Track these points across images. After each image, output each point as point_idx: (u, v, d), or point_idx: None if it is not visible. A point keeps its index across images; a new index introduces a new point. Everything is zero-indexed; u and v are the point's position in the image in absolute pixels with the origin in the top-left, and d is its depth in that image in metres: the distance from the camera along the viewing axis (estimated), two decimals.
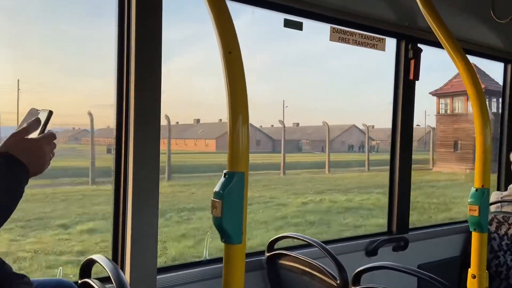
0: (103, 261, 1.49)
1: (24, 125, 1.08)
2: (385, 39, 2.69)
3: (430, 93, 19.30)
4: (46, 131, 1.10)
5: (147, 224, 1.81)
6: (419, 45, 2.79)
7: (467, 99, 17.14)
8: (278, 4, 2.25)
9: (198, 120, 21.33)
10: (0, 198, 0.96)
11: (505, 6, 1.95)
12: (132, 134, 1.77)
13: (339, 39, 2.56)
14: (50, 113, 1.11)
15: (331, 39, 2.53)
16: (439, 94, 19.59)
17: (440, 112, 19.86)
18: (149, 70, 1.77)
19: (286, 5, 2.28)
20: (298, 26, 2.38)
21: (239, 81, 1.05)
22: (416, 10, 1.98)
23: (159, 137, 1.86)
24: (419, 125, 18.63)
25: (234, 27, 1.06)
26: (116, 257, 1.84)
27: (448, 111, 19.69)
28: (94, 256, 1.57)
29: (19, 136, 1.06)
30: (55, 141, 1.11)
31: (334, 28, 2.52)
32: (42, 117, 1.11)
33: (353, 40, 2.58)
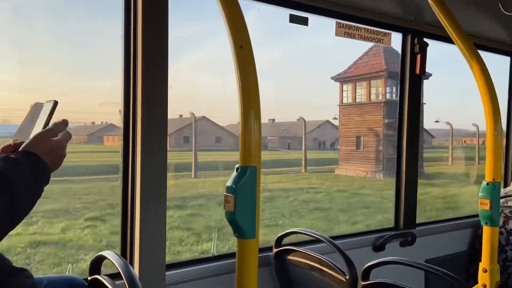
0: (113, 258, 1.50)
1: (51, 125, 1.07)
2: (391, 33, 2.68)
3: (332, 78, 15.88)
4: (50, 123, 1.09)
5: (155, 220, 1.82)
6: (425, 40, 2.78)
7: (370, 84, 15.00)
8: (283, 0, 2.24)
9: None
10: (23, 197, 0.96)
11: None
12: (140, 131, 1.77)
13: (344, 34, 2.55)
14: (55, 104, 1.10)
15: (336, 34, 2.52)
16: (341, 79, 15.94)
17: (343, 102, 16.15)
18: (156, 67, 1.77)
19: (292, 1, 2.27)
20: (304, 21, 2.38)
21: (251, 76, 1.04)
22: (422, 4, 1.97)
23: (167, 133, 1.86)
24: (336, 118, 16.83)
25: (245, 21, 1.06)
26: (125, 253, 1.84)
27: (350, 100, 15.95)
28: (104, 253, 1.57)
29: (44, 137, 1.06)
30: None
31: (339, 23, 2.51)
32: (47, 108, 1.10)
33: (358, 35, 2.57)
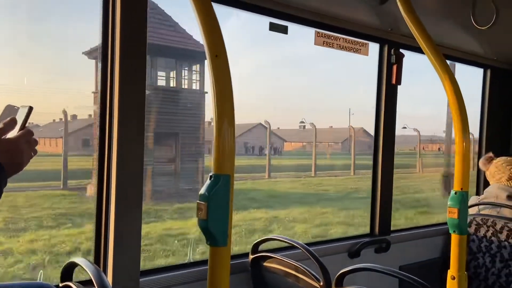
0: (85, 264, 1.48)
1: (0, 125, 1.04)
2: (368, 43, 2.73)
3: (85, 52, 10.85)
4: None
5: (130, 226, 1.80)
6: (402, 50, 2.85)
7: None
8: (263, 8, 2.26)
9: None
10: None
11: (485, 13, 2.00)
12: (116, 135, 1.76)
13: (323, 43, 2.59)
14: (30, 109, 1.07)
15: (315, 43, 2.56)
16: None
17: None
18: (133, 69, 1.76)
19: (272, 9, 2.29)
20: (283, 29, 2.41)
21: (226, 84, 1.05)
22: (398, 16, 2.02)
23: (143, 138, 1.84)
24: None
25: (220, 30, 1.07)
26: (99, 260, 1.82)
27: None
28: (76, 259, 1.55)
29: None
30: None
31: (318, 33, 2.55)
32: (22, 113, 1.07)
33: (337, 44, 2.62)
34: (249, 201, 11.24)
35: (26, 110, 1.07)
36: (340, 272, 1.82)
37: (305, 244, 2.17)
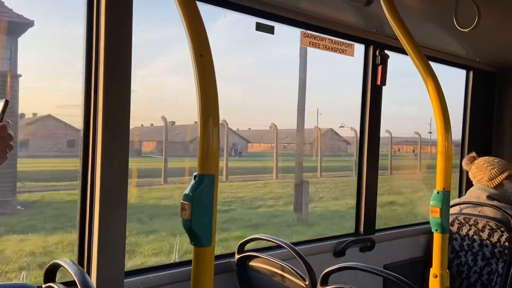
0: (68, 265, 1.46)
1: None
2: (354, 44, 2.76)
3: None
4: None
5: (115, 226, 1.78)
6: (386, 52, 2.88)
7: None
8: (250, 8, 2.27)
9: None
10: None
11: (467, 15, 2.04)
12: (100, 135, 1.74)
13: (309, 43, 2.60)
14: (6, 102, 1.06)
15: (302, 44, 2.58)
16: None
17: None
18: (118, 69, 1.75)
19: (258, 9, 2.30)
20: (270, 29, 2.41)
21: (210, 84, 1.05)
22: (383, 18, 2.04)
23: (129, 138, 1.83)
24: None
25: (205, 30, 1.07)
26: (82, 260, 1.80)
27: None
28: (59, 260, 1.53)
29: None
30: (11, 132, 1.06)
31: (305, 33, 2.56)
32: None
33: (323, 45, 2.64)
34: None
35: (2, 104, 1.06)
36: (325, 271, 1.83)
37: (291, 243, 2.18)
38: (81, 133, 1.81)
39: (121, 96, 1.77)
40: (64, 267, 1.47)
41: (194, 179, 1.05)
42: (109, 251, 1.77)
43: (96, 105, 1.75)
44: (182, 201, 1.05)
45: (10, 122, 1.08)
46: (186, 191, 1.05)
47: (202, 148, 1.04)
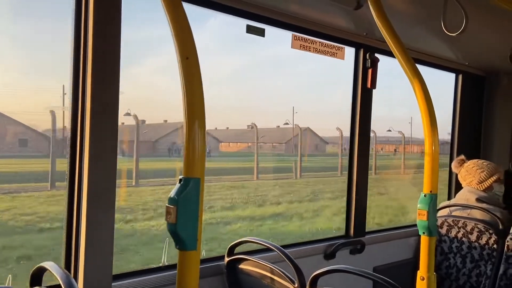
0: (54, 269, 1.44)
1: None
2: (344, 47, 2.77)
3: None
4: None
5: (103, 230, 1.77)
6: (377, 55, 2.90)
7: None
8: (240, 10, 2.27)
9: None
10: None
11: (455, 20, 2.06)
12: (88, 136, 1.72)
13: (300, 46, 2.61)
14: None
15: (292, 47, 2.58)
16: None
17: None
18: (107, 69, 1.73)
19: (249, 12, 2.30)
20: (261, 32, 2.41)
21: (196, 87, 1.05)
22: (373, 21, 2.05)
23: (117, 140, 1.82)
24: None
25: (191, 32, 1.07)
26: (69, 264, 1.78)
27: None
28: (45, 264, 1.51)
29: None
30: None
31: (295, 36, 2.57)
32: None
33: (313, 48, 2.64)
34: None
35: None
36: (314, 274, 1.83)
37: (281, 246, 2.18)
38: (69, 134, 1.79)
39: (110, 97, 1.75)
40: (50, 271, 1.46)
41: (180, 182, 1.04)
42: (97, 255, 1.75)
43: (83, 107, 1.74)
44: (167, 204, 1.04)
45: None
46: (171, 194, 1.04)
47: (188, 151, 1.04)
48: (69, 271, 1.75)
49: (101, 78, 1.73)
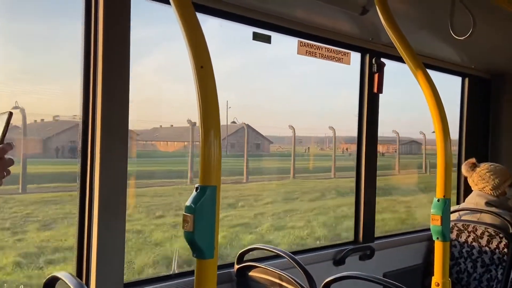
0: (67, 278, 1.44)
1: None
2: (350, 53, 2.78)
3: None
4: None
5: (114, 237, 1.77)
6: (383, 60, 2.90)
7: None
8: (246, 18, 2.28)
9: None
10: None
11: (463, 23, 2.06)
12: (99, 143, 1.73)
13: (306, 52, 2.61)
14: (10, 115, 0.98)
15: (298, 53, 2.59)
16: None
17: None
18: (117, 74, 1.74)
19: (255, 19, 2.31)
20: (267, 39, 2.43)
21: (211, 95, 1.05)
22: (379, 26, 2.06)
23: (127, 145, 1.82)
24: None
25: (205, 41, 1.07)
26: (81, 273, 1.78)
27: None
28: (58, 273, 1.51)
29: None
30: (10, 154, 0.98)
31: (301, 42, 2.57)
32: (2, 120, 0.99)
33: (319, 53, 2.65)
34: None
35: (6, 116, 0.98)
36: (326, 280, 1.82)
37: (291, 252, 2.17)
38: (80, 140, 1.79)
39: (121, 100, 1.76)
40: (63, 280, 1.46)
41: (196, 190, 1.04)
42: (108, 263, 1.75)
43: (94, 111, 1.74)
44: (184, 213, 1.04)
45: (13, 144, 1.00)
46: (188, 203, 1.04)
47: (204, 159, 1.04)
48: (81, 279, 1.75)
49: (111, 81, 1.73)
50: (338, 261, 2.71)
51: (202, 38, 1.07)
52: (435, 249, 1.88)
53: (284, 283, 2.00)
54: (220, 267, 2.26)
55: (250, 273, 2.17)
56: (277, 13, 2.36)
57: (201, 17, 2.15)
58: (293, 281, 1.94)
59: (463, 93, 3.78)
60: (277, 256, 2.27)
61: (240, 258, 2.22)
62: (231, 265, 2.25)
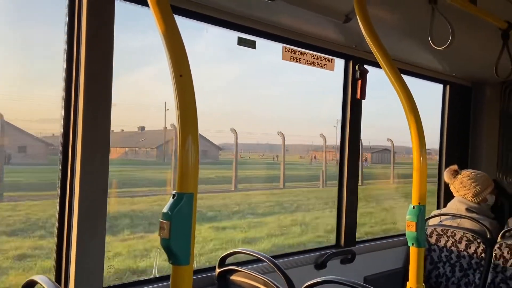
0: (45, 282, 1.43)
1: None
2: (334, 59, 2.81)
3: None
4: None
5: (94, 241, 1.76)
6: (366, 66, 2.94)
7: None
8: (231, 23, 2.30)
9: None
10: None
11: (442, 34, 2.11)
12: (80, 146, 1.72)
13: (290, 58, 2.64)
14: None
15: (283, 58, 2.61)
16: None
17: None
18: (99, 79, 1.74)
19: (240, 24, 2.33)
20: (252, 44, 2.45)
21: (189, 103, 1.06)
22: (362, 34, 2.09)
23: (109, 150, 1.82)
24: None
25: (185, 50, 1.08)
26: (60, 277, 1.77)
27: None
28: (35, 277, 1.50)
29: None
30: None
31: (286, 48, 2.60)
32: None
33: (304, 59, 2.68)
34: None
35: None
36: (306, 284, 1.84)
37: (272, 256, 2.18)
38: (60, 143, 1.78)
39: (102, 106, 1.76)
40: (41, 284, 1.45)
41: (173, 197, 1.05)
42: (88, 267, 1.74)
43: (76, 113, 1.74)
44: (160, 219, 1.05)
45: None
46: (165, 210, 1.05)
47: (181, 167, 1.05)
48: (60, 284, 1.74)
49: (93, 87, 1.73)
50: (320, 265, 2.73)
51: (181, 47, 1.08)
52: (410, 255, 1.91)
53: (264, 287, 2.01)
54: (202, 271, 2.27)
55: (232, 277, 2.17)
56: (262, 19, 2.38)
57: (201, 25, 2.18)
58: (273, 285, 1.95)
59: (444, 100, 3.86)
60: (259, 260, 2.28)
61: (222, 262, 2.23)
62: (213, 269, 2.26)
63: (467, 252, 3.08)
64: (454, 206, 3.25)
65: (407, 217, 1.84)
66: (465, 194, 3.21)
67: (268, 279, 1.98)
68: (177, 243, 1.04)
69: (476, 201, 3.18)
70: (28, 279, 1.53)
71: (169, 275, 2.12)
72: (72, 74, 1.75)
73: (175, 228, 1.03)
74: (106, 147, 1.78)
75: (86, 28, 1.71)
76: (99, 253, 1.77)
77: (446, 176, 3.35)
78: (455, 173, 3.31)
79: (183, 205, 1.03)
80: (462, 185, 3.24)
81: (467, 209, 3.16)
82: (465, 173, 3.29)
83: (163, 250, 1.06)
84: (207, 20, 2.22)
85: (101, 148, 1.77)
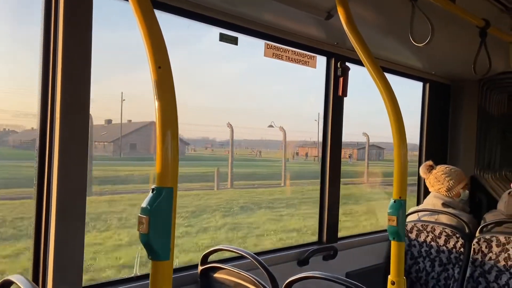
0: (21, 282, 1.39)
1: None
2: (316, 56, 2.82)
3: None
4: None
5: (72, 240, 1.72)
6: (347, 64, 2.96)
7: None
8: (213, 19, 2.28)
9: None
10: None
11: (422, 31, 2.13)
12: (57, 144, 1.68)
13: (273, 55, 2.64)
14: None
15: (265, 55, 2.61)
16: None
17: None
18: (77, 76, 1.70)
19: (222, 20, 2.31)
20: (233, 40, 2.43)
21: (169, 96, 1.05)
22: (344, 31, 2.10)
23: (87, 148, 1.78)
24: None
25: (164, 41, 1.07)
26: (37, 276, 1.72)
27: None
28: (12, 277, 1.46)
29: None
30: None
31: (268, 44, 2.60)
32: None
33: (286, 56, 2.68)
34: None
35: None
36: (287, 281, 1.84)
37: (255, 253, 2.18)
38: (37, 139, 1.74)
39: (80, 99, 1.72)
40: (17, 284, 1.41)
41: (152, 192, 1.03)
42: (66, 267, 1.70)
43: (53, 109, 1.69)
44: (139, 214, 1.03)
45: None
46: (144, 204, 1.03)
47: (161, 161, 1.03)
48: (37, 284, 1.70)
49: (71, 82, 1.69)
50: (302, 261, 2.74)
51: (160, 38, 1.06)
52: (391, 249, 1.93)
53: (247, 284, 2.01)
54: (184, 269, 2.25)
55: (215, 275, 2.16)
56: (244, 15, 2.37)
57: (202, 26, 2.15)
58: (256, 281, 1.95)
59: (424, 98, 3.91)
60: (242, 257, 2.28)
61: (204, 259, 2.21)
62: (195, 266, 2.24)
63: (447, 247, 3.14)
64: (430, 201, 3.31)
65: (388, 211, 1.86)
66: (439, 188, 3.28)
67: (251, 276, 1.98)
68: (157, 239, 1.02)
69: (449, 196, 3.25)
70: (4, 279, 1.49)
71: (148, 274, 2.10)
72: (48, 70, 1.71)
73: (154, 223, 1.01)
74: (85, 144, 1.75)
75: (63, 21, 1.67)
76: (78, 252, 1.74)
77: (422, 171, 3.42)
78: (430, 168, 3.38)
79: (163, 199, 1.02)
80: (437, 180, 3.30)
81: (443, 204, 3.22)
82: (440, 168, 3.36)
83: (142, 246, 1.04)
84: (189, 15, 2.19)
85: (80, 145, 1.73)
